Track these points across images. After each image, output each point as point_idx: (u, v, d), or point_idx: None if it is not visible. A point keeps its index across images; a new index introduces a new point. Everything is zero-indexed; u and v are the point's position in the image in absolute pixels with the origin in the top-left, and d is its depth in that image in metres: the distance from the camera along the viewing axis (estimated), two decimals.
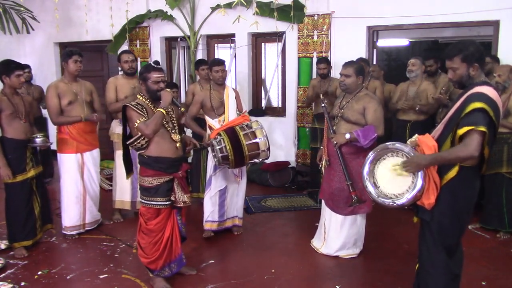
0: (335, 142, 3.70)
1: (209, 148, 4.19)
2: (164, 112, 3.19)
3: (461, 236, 2.67)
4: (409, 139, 2.68)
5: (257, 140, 4.01)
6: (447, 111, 2.65)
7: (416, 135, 2.66)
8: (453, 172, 2.49)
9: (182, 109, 3.54)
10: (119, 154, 4.77)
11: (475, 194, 2.59)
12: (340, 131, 3.76)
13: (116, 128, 4.78)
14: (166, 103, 3.22)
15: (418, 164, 2.52)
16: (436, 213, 2.57)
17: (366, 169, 2.76)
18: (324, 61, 5.51)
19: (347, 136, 3.66)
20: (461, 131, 2.41)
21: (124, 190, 4.83)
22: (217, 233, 4.39)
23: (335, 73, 5.62)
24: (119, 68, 4.91)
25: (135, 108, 3.16)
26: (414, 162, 2.53)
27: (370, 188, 2.74)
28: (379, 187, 2.71)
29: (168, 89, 3.28)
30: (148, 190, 3.25)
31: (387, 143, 2.72)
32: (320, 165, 3.99)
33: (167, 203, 3.28)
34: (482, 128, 2.36)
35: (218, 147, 3.92)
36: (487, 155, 2.48)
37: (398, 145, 2.64)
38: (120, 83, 4.71)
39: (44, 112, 6.03)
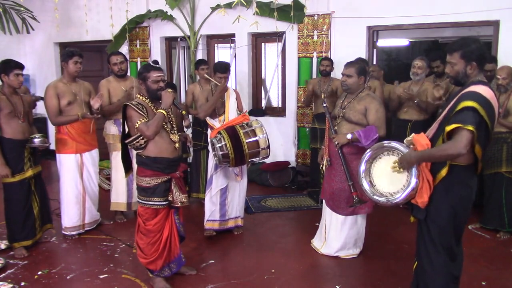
0: (336, 142, 3.70)
1: (209, 147, 4.19)
2: (165, 113, 3.18)
3: (461, 236, 2.67)
4: (406, 138, 2.70)
5: (257, 138, 4.02)
6: (442, 110, 2.66)
7: (413, 134, 2.68)
8: (444, 171, 2.50)
9: (183, 112, 3.55)
10: (115, 155, 4.77)
11: (471, 193, 2.58)
12: (341, 131, 3.76)
13: (110, 129, 4.77)
14: (167, 104, 3.22)
15: (408, 161, 2.55)
16: (433, 213, 2.58)
17: (362, 167, 2.80)
18: (328, 59, 5.64)
19: (349, 136, 3.65)
20: (448, 128, 2.42)
21: (119, 192, 4.82)
22: (217, 233, 4.39)
23: (335, 73, 5.63)
24: (110, 70, 4.86)
25: (135, 108, 3.16)
26: (405, 159, 2.57)
27: (366, 186, 2.78)
28: (374, 185, 2.75)
29: (169, 90, 3.28)
30: (146, 190, 3.25)
31: (383, 142, 2.76)
32: (321, 165, 3.99)
33: (164, 203, 3.28)
34: (470, 127, 2.35)
35: (218, 145, 3.93)
36: (480, 154, 2.47)
37: (393, 143, 2.68)
38: (112, 86, 4.68)
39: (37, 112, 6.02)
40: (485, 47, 2.60)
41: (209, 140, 4.30)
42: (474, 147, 2.43)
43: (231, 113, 4.30)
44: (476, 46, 2.50)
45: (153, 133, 3.13)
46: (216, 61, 7.12)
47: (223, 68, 4.28)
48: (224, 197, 4.33)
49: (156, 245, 3.32)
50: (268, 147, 4.08)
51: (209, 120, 4.34)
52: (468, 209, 2.61)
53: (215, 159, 4.09)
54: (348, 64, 3.80)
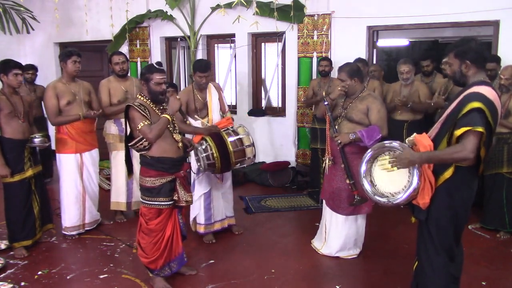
0: (339, 141, 3.70)
1: (192, 152, 3.97)
2: (170, 118, 3.18)
3: (460, 236, 2.66)
4: (407, 138, 2.68)
5: (244, 147, 4.00)
6: (444, 110, 2.65)
7: (414, 134, 2.66)
8: (449, 172, 2.48)
9: (188, 122, 3.55)
10: (114, 155, 4.77)
11: (472, 194, 2.58)
12: (342, 131, 3.75)
13: (111, 128, 4.76)
14: (174, 111, 3.22)
15: (409, 161, 2.51)
16: (434, 214, 2.57)
17: (363, 167, 2.78)
18: (327, 59, 5.61)
19: (351, 136, 3.64)
20: (458, 131, 2.39)
21: (119, 192, 4.82)
22: (216, 233, 4.37)
23: (335, 73, 5.62)
24: (110, 70, 4.85)
25: (138, 109, 3.14)
26: (404, 158, 2.53)
27: (367, 186, 2.75)
28: (375, 185, 2.73)
29: (178, 97, 3.28)
30: (150, 190, 3.24)
31: (384, 142, 2.73)
32: (324, 164, 3.98)
33: (169, 203, 3.28)
34: (480, 129, 2.34)
35: (204, 155, 3.86)
36: (484, 156, 2.46)
37: (394, 143, 2.65)
38: (113, 86, 4.66)
39: None
40: (483, 46, 2.59)
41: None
42: (479, 149, 2.41)
43: (214, 115, 4.19)
44: (469, 46, 2.50)
45: (155, 137, 3.13)
46: (216, 61, 7.13)
47: (203, 67, 4.07)
48: (209, 201, 4.26)
49: (157, 245, 3.32)
50: (254, 156, 4.06)
51: (191, 123, 4.12)
52: (469, 209, 2.61)
53: (198, 164, 4.01)
54: (339, 69, 3.81)
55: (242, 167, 4.22)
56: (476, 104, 2.37)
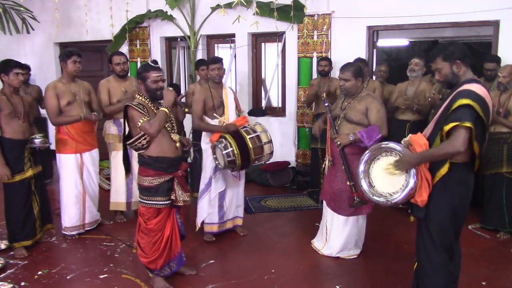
0: (338, 143, 3.69)
1: (210, 150, 4.06)
2: (167, 111, 3.18)
3: (459, 234, 2.68)
4: (403, 139, 2.72)
5: (262, 144, 4.03)
6: (437, 110, 2.68)
7: (410, 134, 2.70)
8: (444, 169, 2.52)
9: (186, 110, 3.54)
10: (114, 155, 4.77)
11: (469, 191, 2.61)
12: (342, 132, 3.74)
13: (110, 128, 4.77)
14: (169, 103, 3.21)
15: (408, 163, 2.57)
16: (432, 212, 2.59)
17: (361, 168, 2.82)
18: (326, 59, 5.60)
19: (351, 137, 3.63)
20: (447, 127, 2.45)
21: (119, 192, 4.82)
22: (216, 234, 4.38)
23: (335, 73, 5.63)
24: (110, 70, 4.85)
25: (136, 108, 3.16)
26: (405, 161, 2.58)
27: (365, 186, 2.80)
28: (374, 186, 2.77)
29: (170, 88, 3.28)
30: (148, 190, 3.25)
31: (381, 143, 2.79)
32: (323, 165, 3.98)
33: (167, 202, 3.29)
34: (468, 124, 2.39)
35: (225, 152, 3.87)
36: (478, 151, 2.51)
37: (391, 144, 2.70)
38: (112, 85, 4.67)
39: (43, 112, 6.05)
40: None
41: (208, 143, 4.19)
42: (472, 145, 2.46)
43: (230, 114, 4.23)
44: (454, 47, 2.58)
45: (156, 131, 3.13)
46: None
47: (213, 59, 4.19)
48: (222, 200, 4.28)
49: (157, 244, 3.33)
50: (272, 153, 4.08)
51: (208, 121, 4.19)
52: (467, 207, 2.63)
53: (216, 162, 4.05)
54: (344, 68, 3.75)
55: (259, 164, 4.22)
56: (464, 101, 2.43)
